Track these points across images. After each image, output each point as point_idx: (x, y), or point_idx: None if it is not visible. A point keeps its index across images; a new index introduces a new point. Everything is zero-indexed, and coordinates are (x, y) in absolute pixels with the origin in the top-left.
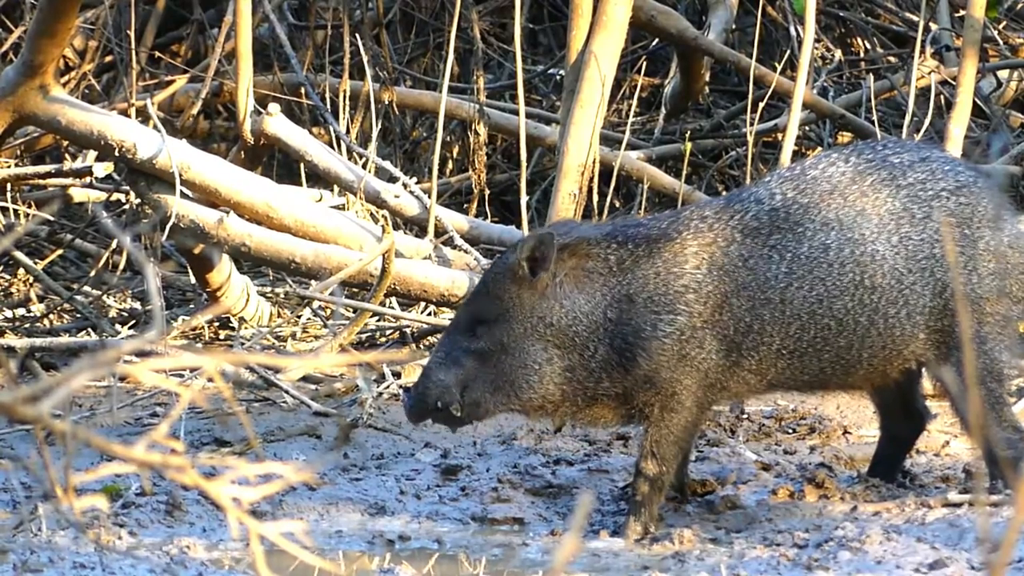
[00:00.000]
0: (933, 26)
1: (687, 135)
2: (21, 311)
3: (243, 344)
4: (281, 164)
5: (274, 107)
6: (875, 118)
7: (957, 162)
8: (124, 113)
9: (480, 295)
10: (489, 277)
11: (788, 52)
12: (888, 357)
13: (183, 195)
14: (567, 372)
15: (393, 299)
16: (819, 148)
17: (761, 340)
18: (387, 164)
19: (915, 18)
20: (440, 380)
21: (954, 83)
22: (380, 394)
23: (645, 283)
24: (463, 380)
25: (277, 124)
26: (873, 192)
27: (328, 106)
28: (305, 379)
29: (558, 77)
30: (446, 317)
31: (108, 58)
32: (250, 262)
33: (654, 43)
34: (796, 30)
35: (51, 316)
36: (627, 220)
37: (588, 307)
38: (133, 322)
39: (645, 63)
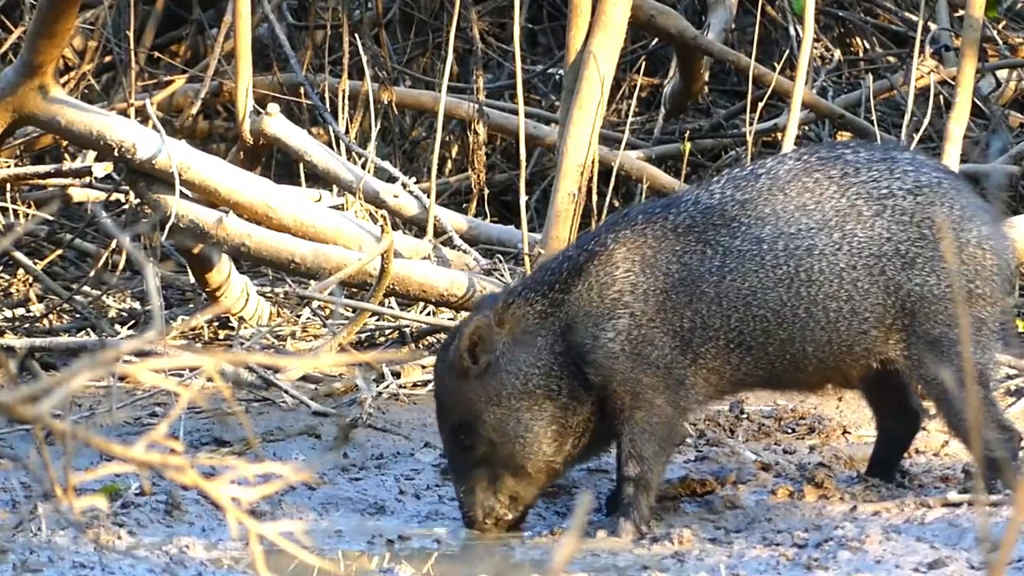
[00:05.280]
0: (932, 26)
1: (686, 135)
2: (21, 311)
3: (242, 344)
4: (280, 164)
5: (273, 107)
6: (874, 118)
7: (924, 162)
8: (123, 113)
9: (444, 408)
10: (440, 386)
11: (787, 52)
12: (837, 353)
13: (182, 195)
14: (552, 423)
15: (392, 299)
16: None
17: (707, 335)
18: (386, 164)
19: (914, 18)
20: (472, 501)
21: (953, 83)
22: (379, 394)
23: (580, 304)
24: (488, 488)
25: (276, 124)
26: (818, 188)
27: (327, 106)
28: (304, 379)
29: (557, 77)
30: (445, 317)
31: (107, 58)
32: (249, 262)
33: (653, 43)
34: (795, 30)
35: (51, 316)
36: (553, 257)
37: (532, 358)
38: (133, 322)
39: (644, 63)
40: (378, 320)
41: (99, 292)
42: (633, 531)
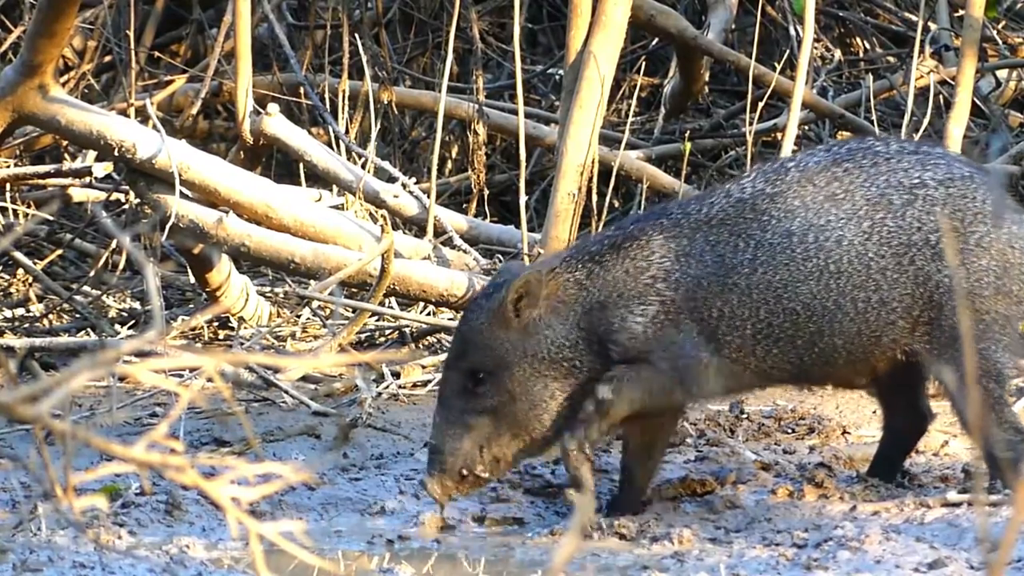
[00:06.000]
0: (932, 26)
1: (686, 135)
2: (20, 311)
3: (242, 344)
4: (280, 164)
5: (273, 107)
6: (874, 118)
7: (955, 157)
8: (123, 113)
9: (468, 350)
10: (473, 328)
11: (787, 52)
12: (865, 345)
13: (182, 195)
14: (568, 399)
15: (392, 299)
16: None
17: (734, 325)
18: (386, 164)
19: (914, 18)
20: (457, 448)
21: (953, 83)
22: (379, 394)
23: (614, 283)
24: (478, 440)
25: (276, 124)
26: (848, 177)
27: (327, 106)
28: (304, 379)
29: (557, 77)
30: (445, 317)
31: (107, 58)
32: (249, 262)
33: (653, 43)
34: (795, 30)
35: (51, 316)
36: (595, 235)
37: (565, 330)
38: (133, 322)
39: (644, 63)
40: (378, 320)
41: (99, 292)
42: (576, 448)
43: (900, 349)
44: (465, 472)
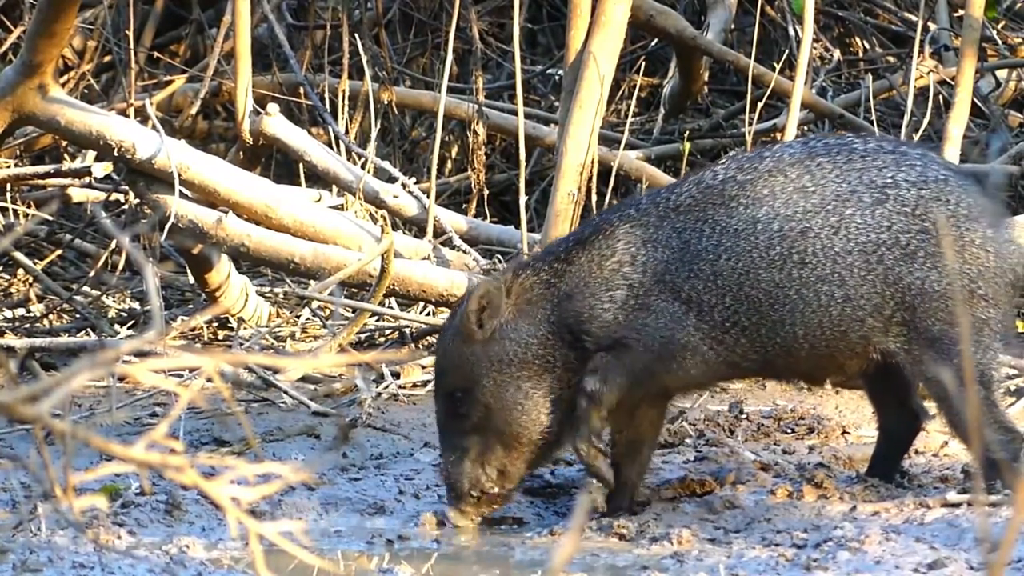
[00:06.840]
0: (932, 26)
1: (686, 135)
2: (21, 311)
3: (242, 344)
4: (280, 164)
5: (273, 107)
6: (874, 118)
7: (933, 159)
8: (123, 113)
9: (442, 372)
10: (441, 349)
11: (787, 52)
12: (830, 340)
13: (182, 195)
14: (549, 395)
15: (392, 299)
16: None
17: (701, 310)
18: (386, 164)
19: (914, 18)
20: (459, 471)
21: (953, 83)
22: (379, 394)
23: (580, 274)
24: (477, 459)
25: (276, 124)
26: (820, 171)
27: (327, 106)
28: (304, 379)
29: (557, 77)
30: (445, 317)
31: (107, 58)
32: (249, 262)
33: (653, 43)
34: (795, 30)
35: (50, 316)
36: (563, 235)
37: (532, 328)
38: (132, 322)
39: (644, 63)
40: (378, 320)
41: (99, 292)
42: (585, 445)
43: (873, 348)
44: (475, 493)
